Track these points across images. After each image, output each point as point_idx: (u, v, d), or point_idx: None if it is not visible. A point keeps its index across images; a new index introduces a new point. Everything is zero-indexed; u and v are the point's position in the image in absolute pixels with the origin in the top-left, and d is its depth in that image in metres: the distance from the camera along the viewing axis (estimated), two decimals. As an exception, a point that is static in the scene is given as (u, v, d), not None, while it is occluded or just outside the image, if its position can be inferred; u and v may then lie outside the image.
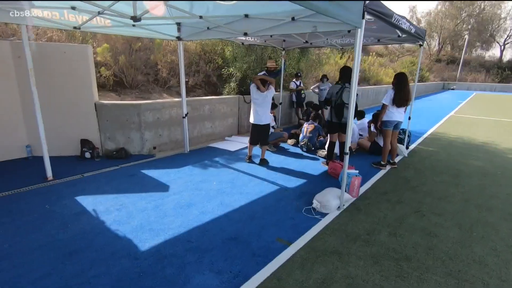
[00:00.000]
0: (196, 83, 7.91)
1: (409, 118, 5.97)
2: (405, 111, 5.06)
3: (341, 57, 18.33)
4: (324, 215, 3.40)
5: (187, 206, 3.50)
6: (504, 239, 3.00)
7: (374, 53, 24.34)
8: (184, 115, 5.60)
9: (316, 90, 9.15)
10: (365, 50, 26.43)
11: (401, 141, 6.26)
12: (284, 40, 7.37)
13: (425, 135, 8.12)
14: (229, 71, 7.61)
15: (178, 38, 5.21)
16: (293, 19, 3.71)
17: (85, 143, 5.01)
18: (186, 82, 7.70)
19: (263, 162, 5.18)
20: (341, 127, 4.87)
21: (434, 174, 4.92)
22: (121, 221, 3.12)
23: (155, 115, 5.51)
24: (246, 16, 3.99)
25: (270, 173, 4.76)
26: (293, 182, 4.37)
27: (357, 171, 4.01)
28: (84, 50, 4.88)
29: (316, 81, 10.30)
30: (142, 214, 3.27)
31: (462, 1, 41.10)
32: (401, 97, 4.77)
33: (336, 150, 5.19)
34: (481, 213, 3.57)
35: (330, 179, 4.51)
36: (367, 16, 3.66)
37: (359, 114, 7.13)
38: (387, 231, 3.10)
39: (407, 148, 6.42)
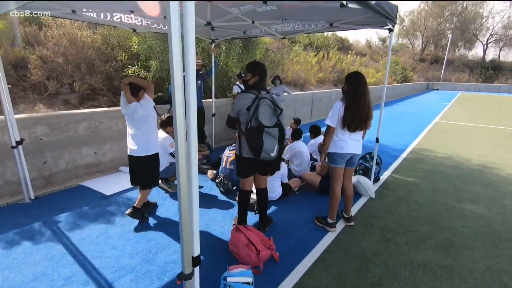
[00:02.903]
0: (94, 87, 5.74)
1: (377, 140, 4.00)
2: (364, 136, 3.08)
3: (315, 55, 16.48)
4: None
5: None
6: None
7: (353, 51, 22.68)
8: (15, 144, 3.45)
9: (268, 96, 7.14)
10: (345, 49, 24.79)
11: (367, 171, 4.30)
12: (212, 29, 5.33)
13: (404, 154, 6.21)
14: (130, 71, 5.47)
15: (-20, 15, 3.08)
16: None
17: None
18: (56, 89, 5.56)
19: (135, 215, 3.11)
20: (260, 166, 2.87)
21: (412, 243, 2.94)
22: None
23: (-37, 144, 3.35)
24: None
25: (130, 246, 2.67)
26: (145, 280, 2.30)
27: (250, 278, 1.96)
28: None
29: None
30: None
31: (445, 0, 40.18)
32: (356, 115, 2.78)
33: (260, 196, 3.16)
34: None
35: (230, 264, 2.46)
36: None
37: (314, 131, 5.16)
38: None
39: (376, 180, 4.47)
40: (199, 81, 5.58)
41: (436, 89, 32.90)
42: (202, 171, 4.72)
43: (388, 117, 11.45)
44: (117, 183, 4.19)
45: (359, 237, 3.00)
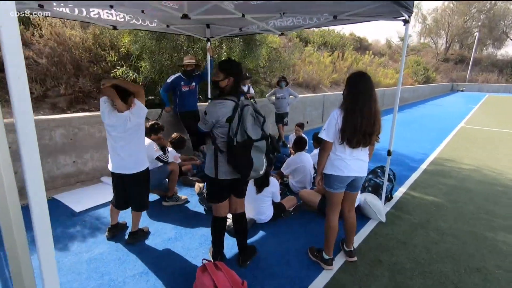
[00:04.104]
0: (83, 90, 5.41)
1: (389, 154, 3.36)
2: (371, 154, 2.47)
3: (330, 55, 15.72)
4: None
5: None
6: None
7: (371, 51, 21.67)
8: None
9: (272, 98, 6.62)
10: (363, 49, 23.77)
11: (377, 188, 3.66)
12: (207, 26, 4.86)
13: (423, 165, 5.47)
14: (117, 73, 5.07)
15: None
16: None
17: None
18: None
19: (134, 238, 2.82)
20: (238, 187, 2.36)
21: (430, 288, 2.30)
22: None
23: None
24: None
25: (77, 283, 2.22)
26: None
27: None
28: None
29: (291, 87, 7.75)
30: None
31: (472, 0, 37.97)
32: (358, 127, 2.18)
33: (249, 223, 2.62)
34: None
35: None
36: None
37: (317, 139, 4.55)
38: None
39: (388, 199, 3.82)
40: (194, 83, 5.13)
41: (462, 91, 31.09)
42: (189, 184, 4.25)
43: (407, 120, 10.59)
44: (94, 196, 3.77)
45: (362, 279, 2.39)
